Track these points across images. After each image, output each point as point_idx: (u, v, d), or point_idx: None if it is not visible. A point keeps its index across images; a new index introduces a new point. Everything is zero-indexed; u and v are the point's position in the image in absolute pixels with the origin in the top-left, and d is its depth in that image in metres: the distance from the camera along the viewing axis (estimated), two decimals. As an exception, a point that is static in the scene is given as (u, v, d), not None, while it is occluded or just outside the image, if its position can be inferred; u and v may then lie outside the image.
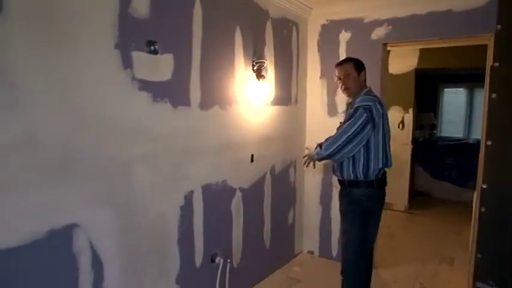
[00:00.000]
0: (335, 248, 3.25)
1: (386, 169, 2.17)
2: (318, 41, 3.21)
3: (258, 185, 2.80)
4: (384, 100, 4.74)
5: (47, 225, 1.46)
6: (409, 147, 4.70)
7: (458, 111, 7.02)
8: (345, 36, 3.06)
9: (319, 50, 3.21)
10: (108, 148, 1.68)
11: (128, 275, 1.83)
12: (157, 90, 1.89)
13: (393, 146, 4.63)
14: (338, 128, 2.13)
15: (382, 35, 2.88)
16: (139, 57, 1.78)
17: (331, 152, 2.04)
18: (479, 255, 2.60)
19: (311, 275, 3.00)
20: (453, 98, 7.18)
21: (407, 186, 4.70)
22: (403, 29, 2.79)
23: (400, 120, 4.69)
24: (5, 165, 1.32)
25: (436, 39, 2.75)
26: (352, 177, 2.12)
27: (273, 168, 2.95)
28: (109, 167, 1.69)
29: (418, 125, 6.34)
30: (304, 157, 2.36)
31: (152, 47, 1.84)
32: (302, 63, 3.22)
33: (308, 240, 3.43)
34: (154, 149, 1.90)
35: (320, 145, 2.12)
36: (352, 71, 2.17)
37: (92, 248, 1.64)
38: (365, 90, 2.17)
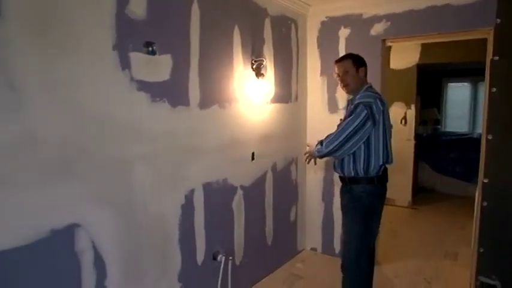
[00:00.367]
0: (338, 244, 3.25)
1: (387, 165, 2.16)
2: (318, 38, 3.21)
3: (260, 182, 2.81)
4: (385, 96, 4.73)
5: (49, 225, 1.49)
6: (412, 143, 4.69)
7: (462, 106, 6.97)
8: (344, 33, 3.06)
9: (318, 47, 3.21)
10: (108, 148, 1.70)
11: (130, 273, 1.85)
12: (156, 91, 1.91)
13: (396, 142, 4.65)
14: (338, 125, 2.12)
15: (381, 31, 2.88)
16: (137, 58, 1.80)
17: (332, 149, 2.04)
18: (481, 250, 2.58)
19: (314, 272, 3.01)
20: (457, 93, 7.13)
21: (411, 182, 4.69)
22: (402, 24, 2.79)
23: (402, 116, 4.67)
24: (5, 165, 1.34)
25: (435, 34, 2.74)
26: (352, 174, 2.11)
27: (274, 166, 2.96)
28: (109, 167, 1.72)
29: (421, 121, 6.32)
30: (305, 154, 2.37)
31: (150, 48, 1.86)
32: (302, 61, 3.22)
33: (311, 237, 3.43)
34: (154, 148, 1.92)
35: (321, 142, 2.12)
36: (350, 68, 2.16)
37: (94, 247, 1.67)
38: (365, 87, 2.15)
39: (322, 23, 3.17)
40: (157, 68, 1.92)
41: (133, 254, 1.87)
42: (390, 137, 2.16)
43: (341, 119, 2.22)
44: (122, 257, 1.81)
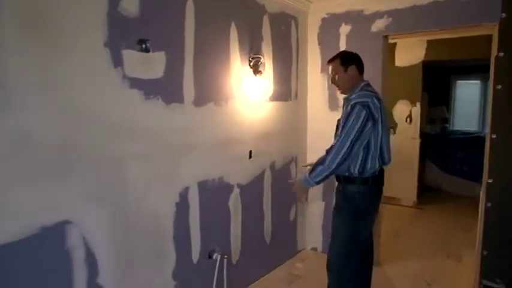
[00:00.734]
0: (338, 244, 3.21)
1: (385, 167, 2.08)
2: (318, 35, 3.17)
3: (257, 181, 2.79)
4: (389, 94, 4.67)
5: (39, 222, 1.49)
6: (417, 142, 4.61)
7: (472, 104, 6.84)
8: (345, 30, 3.01)
9: (319, 44, 3.17)
10: (101, 145, 1.70)
11: (123, 271, 1.85)
12: (149, 88, 1.90)
13: (401, 140, 4.63)
14: (337, 126, 2.06)
15: (383, 27, 2.82)
16: (130, 56, 1.79)
17: (340, 161, 1.89)
18: (485, 252, 2.53)
19: (313, 271, 2.98)
20: (467, 91, 7.00)
21: (416, 181, 4.61)
22: (404, 20, 2.73)
23: (407, 114, 4.60)
24: (1, 163, 1.35)
25: (438, 30, 2.68)
26: (347, 173, 2.05)
27: (273, 165, 2.94)
28: (102, 165, 1.71)
29: (429, 119, 6.22)
30: (293, 190, 2.22)
31: (143, 45, 1.84)
32: (302, 58, 3.19)
33: (311, 236, 3.40)
34: (147, 145, 1.92)
35: (320, 162, 1.98)
36: (338, 69, 2.09)
37: (85, 244, 1.67)
38: (361, 85, 2.06)
39: (323, 19, 3.12)
40: (151, 65, 1.92)
41: (126, 251, 1.87)
42: (388, 136, 2.09)
43: (338, 119, 2.14)
44: (115, 255, 1.81)
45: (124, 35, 1.76)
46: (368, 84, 2.08)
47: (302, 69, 3.20)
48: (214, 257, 2.35)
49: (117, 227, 1.81)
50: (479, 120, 6.66)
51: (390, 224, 3.87)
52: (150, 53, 1.88)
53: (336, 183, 2.22)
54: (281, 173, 3.04)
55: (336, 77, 2.10)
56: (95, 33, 1.64)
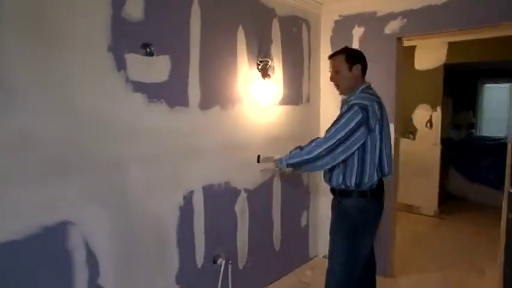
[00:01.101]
0: (351, 252, 3.11)
1: (384, 178, 1.93)
2: (331, 38, 3.11)
3: (266, 186, 2.75)
4: (408, 98, 4.51)
5: (40, 222, 1.52)
6: (438, 148, 4.42)
7: (501, 108, 6.52)
8: (358, 32, 2.94)
9: (332, 47, 3.11)
10: (103, 147, 1.72)
11: (125, 272, 1.86)
12: (153, 91, 1.92)
13: (420, 146, 4.47)
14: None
15: (397, 29, 2.73)
16: (133, 59, 1.81)
17: (317, 155, 1.76)
18: (507, 267, 2.38)
19: (322, 279, 2.89)
20: (496, 95, 6.67)
21: (437, 189, 4.42)
22: (419, 21, 2.63)
23: (427, 119, 4.43)
24: (2, 162, 1.39)
25: (456, 31, 2.57)
26: (343, 186, 1.87)
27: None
28: (104, 166, 1.73)
29: (454, 124, 5.98)
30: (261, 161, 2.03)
31: (147, 49, 1.86)
32: (314, 61, 3.13)
33: (323, 244, 3.30)
34: (149, 148, 1.93)
35: (300, 147, 1.88)
36: (342, 67, 1.92)
37: (86, 245, 1.69)
38: (362, 87, 1.91)
39: (336, 22, 3.07)
40: (155, 69, 1.93)
41: (128, 253, 1.87)
42: (390, 145, 1.93)
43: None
44: (116, 256, 1.82)
45: (128, 39, 1.78)
46: (369, 87, 1.94)
47: (314, 72, 3.14)
48: (219, 262, 2.33)
49: (119, 228, 1.82)
50: (509, 126, 6.32)
51: (408, 234, 3.73)
52: (154, 57, 1.90)
53: (332, 196, 2.05)
54: (292, 178, 2.98)
55: (339, 74, 1.94)
56: (98, 37, 1.67)
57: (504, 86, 6.53)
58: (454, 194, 5.13)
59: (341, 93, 2.04)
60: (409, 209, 4.49)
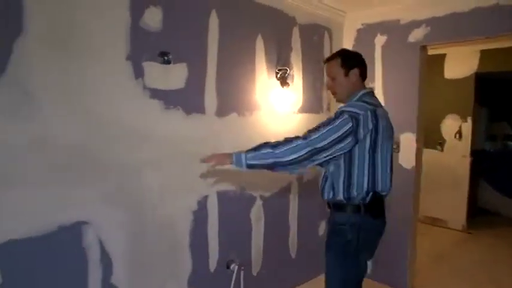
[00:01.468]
0: (369, 264, 3.04)
1: (380, 195, 1.71)
2: (353, 46, 3.07)
3: (283, 193, 2.75)
4: (436, 108, 4.36)
5: (57, 221, 1.61)
6: (468, 160, 4.23)
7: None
8: (380, 40, 2.90)
9: (354, 56, 3.07)
10: (119, 152, 1.80)
11: (137, 272, 1.92)
12: (170, 98, 1.98)
13: (449, 158, 4.30)
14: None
15: (420, 37, 2.67)
16: (151, 68, 1.89)
17: (293, 160, 1.55)
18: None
19: (339, 291, 2.84)
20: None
21: (466, 203, 4.22)
22: (443, 29, 2.56)
23: (456, 130, 4.26)
24: (22, 164, 1.49)
25: (483, 39, 2.47)
26: (332, 197, 1.69)
27: (300, 177, 2.88)
28: (119, 170, 1.81)
29: (489, 135, 5.72)
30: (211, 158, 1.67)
31: (165, 58, 1.93)
32: (336, 70, 3.11)
33: (342, 254, 3.25)
34: (165, 153, 1.99)
35: (270, 145, 1.61)
36: (337, 73, 1.73)
37: (101, 244, 1.76)
38: (359, 94, 1.71)
39: (358, 30, 3.04)
40: (172, 76, 1.99)
41: (141, 254, 1.93)
42: (390, 159, 1.72)
43: None
44: (129, 257, 1.89)
45: (146, 48, 1.86)
46: (369, 93, 1.74)
47: (335, 81, 3.11)
48: (231, 267, 2.35)
49: (132, 230, 1.89)
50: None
51: (432, 248, 3.59)
52: (172, 65, 1.97)
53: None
54: (310, 187, 2.96)
55: (335, 82, 1.76)
56: (117, 47, 1.76)
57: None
58: (485, 208, 4.89)
59: (338, 101, 1.83)
60: (436, 222, 4.32)
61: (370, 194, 1.66)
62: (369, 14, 2.90)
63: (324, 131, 1.56)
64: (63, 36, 1.58)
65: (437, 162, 4.37)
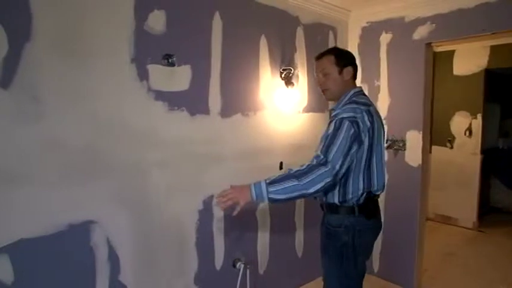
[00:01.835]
0: (376, 263, 3.03)
1: (377, 193, 1.71)
2: (359, 45, 3.07)
3: (288, 192, 2.76)
4: (445, 105, 4.32)
5: (67, 220, 1.66)
6: (478, 157, 4.17)
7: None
8: (385, 38, 2.88)
9: (359, 54, 3.07)
10: (126, 153, 1.84)
11: (144, 271, 1.97)
12: (174, 100, 2.02)
13: (459, 155, 4.26)
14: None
15: (425, 34, 2.65)
16: (155, 70, 1.92)
17: (317, 190, 1.47)
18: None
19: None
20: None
21: (476, 201, 4.16)
22: (449, 26, 2.53)
23: (466, 127, 4.20)
24: (32, 165, 1.54)
25: (489, 35, 2.44)
26: (331, 201, 1.67)
27: (306, 176, 2.88)
28: (126, 170, 1.85)
29: (502, 132, 5.62)
30: (221, 197, 1.61)
31: (169, 60, 1.97)
32: (341, 68, 3.10)
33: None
34: (171, 154, 2.03)
35: (293, 174, 1.50)
36: (331, 68, 1.70)
37: (108, 243, 1.81)
38: (351, 93, 1.69)
39: (363, 28, 3.03)
40: (176, 78, 2.03)
41: (147, 252, 1.98)
42: (381, 158, 1.68)
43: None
44: (136, 255, 1.93)
45: (150, 50, 1.90)
46: (360, 92, 1.73)
47: (340, 79, 3.11)
48: (237, 266, 2.38)
49: (139, 229, 1.93)
50: None
51: (442, 246, 3.56)
52: (176, 67, 2.00)
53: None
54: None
55: (328, 78, 1.72)
56: (122, 50, 1.80)
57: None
58: (497, 207, 4.80)
59: (328, 99, 1.84)
60: (446, 220, 4.28)
61: (364, 195, 1.64)
62: (373, 11, 2.89)
63: (336, 148, 1.50)
64: (70, 41, 1.63)
65: (447, 160, 4.32)
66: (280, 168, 2.68)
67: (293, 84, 2.64)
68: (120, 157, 1.82)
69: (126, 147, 1.84)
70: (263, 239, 2.60)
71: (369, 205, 1.67)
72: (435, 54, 3.09)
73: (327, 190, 1.58)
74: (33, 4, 1.50)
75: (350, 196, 1.63)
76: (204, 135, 2.18)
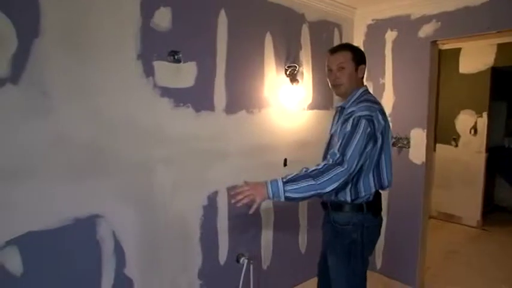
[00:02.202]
0: (379, 260, 3.05)
1: (381, 191, 1.75)
2: (364, 42, 3.07)
3: (292, 189, 2.78)
4: (451, 103, 4.33)
5: (73, 214, 1.69)
6: (483, 156, 4.16)
7: None
8: (391, 36, 2.88)
9: (365, 52, 3.03)
10: (131, 149, 1.87)
11: (149, 265, 2.00)
12: (179, 96, 2.03)
13: (464, 153, 4.24)
14: (328, 144, 1.79)
15: (431, 32, 2.64)
16: (161, 66, 1.94)
17: (337, 186, 1.48)
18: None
19: None
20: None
21: (481, 199, 4.16)
22: (454, 24, 2.53)
23: (472, 126, 4.18)
24: (39, 161, 1.57)
25: (495, 33, 2.43)
26: (335, 199, 1.68)
27: (310, 173, 2.90)
28: (132, 167, 1.88)
29: (509, 131, 5.59)
30: (239, 194, 1.57)
31: (175, 56, 1.98)
32: (346, 66, 3.11)
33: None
34: (176, 150, 2.05)
35: (308, 174, 1.48)
36: (348, 64, 1.69)
37: (114, 237, 1.84)
38: (360, 91, 1.71)
39: (369, 26, 3.03)
40: (182, 75, 2.05)
41: (152, 247, 2.01)
42: (389, 156, 1.71)
43: (331, 133, 1.83)
44: (142, 250, 1.96)
45: (156, 47, 1.91)
46: (368, 91, 1.76)
47: (345, 77, 3.11)
48: (241, 261, 2.40)
49: (145, 224, 1.96)
50: None
51: (445, 244, 3.56)
52: (181, 64, 2.02)
53: (323, 210, 1.89)
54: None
55: (343, 72, 1.70)
56: (129, 47, 1.82)
57: None
58: (502, 206, 4.79)
59: (338, 94, 1.81)
60: (450, 218, 4.28)
61: (374, 192, 1.68)
62: (379, 9, 2.89)
63: (353, 147, 1.50)
64: (78, 38, 1.65)
65: (452, 158, 4.32)
66: (285, 165, 2.70)
67: (298, 82, 2.64)
68: (126, 153, 1.85)
69: (132, 144, 1.87)
70: (267, 235, 2.62)
71: (375, 202, 1.70)
72: (441, 52, 3.07)
73: (339, 189, 1.58)
74: (41, 0, 1.52)
75: (363, 194, 1.64)
76: (209, 131, 2.20)
